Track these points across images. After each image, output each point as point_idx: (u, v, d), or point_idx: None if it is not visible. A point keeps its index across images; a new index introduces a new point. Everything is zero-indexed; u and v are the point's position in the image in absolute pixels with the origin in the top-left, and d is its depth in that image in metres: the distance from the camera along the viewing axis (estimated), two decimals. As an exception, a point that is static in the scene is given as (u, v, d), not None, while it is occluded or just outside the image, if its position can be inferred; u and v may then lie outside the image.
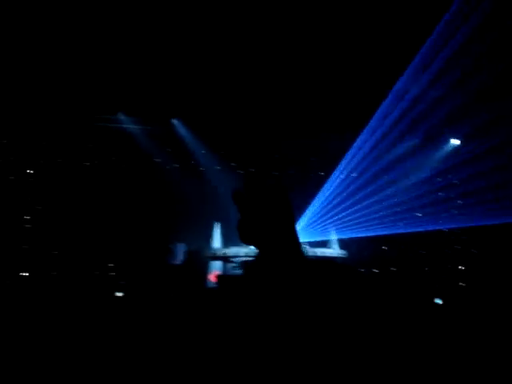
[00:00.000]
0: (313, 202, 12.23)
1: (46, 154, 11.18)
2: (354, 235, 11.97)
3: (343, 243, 12.14)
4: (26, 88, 10.11)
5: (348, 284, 1.25)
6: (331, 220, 12.19)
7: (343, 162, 11.81)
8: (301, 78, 10.54)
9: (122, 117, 10.55)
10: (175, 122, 10.90)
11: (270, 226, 1.19)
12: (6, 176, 11.02)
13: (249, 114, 10.77)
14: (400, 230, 11.73)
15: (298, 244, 1.23)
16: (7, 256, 10.29)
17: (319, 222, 12.31)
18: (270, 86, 10.57)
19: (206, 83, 10.14)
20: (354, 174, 12.12)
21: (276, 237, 1.19)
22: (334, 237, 11.94)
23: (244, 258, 10.74)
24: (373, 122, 11.03)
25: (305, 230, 11.88)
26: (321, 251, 11.34)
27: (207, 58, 9.92)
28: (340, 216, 12.21)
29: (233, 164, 11.74)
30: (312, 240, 11.82)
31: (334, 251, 11.72)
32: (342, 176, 12.14)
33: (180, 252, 10.06)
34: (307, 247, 11.47)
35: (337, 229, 12.10)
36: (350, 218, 12.21)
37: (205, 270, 10.85)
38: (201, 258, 10.55)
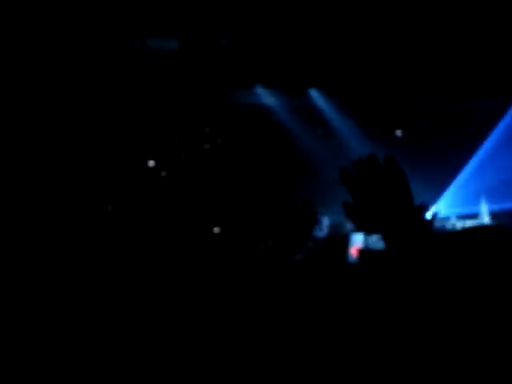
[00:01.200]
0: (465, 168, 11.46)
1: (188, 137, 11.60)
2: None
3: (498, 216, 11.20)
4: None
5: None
6: (485, 187, 11.24)
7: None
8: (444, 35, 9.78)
9: (259, 90, 10.59)
10: (313, 92, 10.70)
11: (388, 209, 1.09)
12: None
13: (388, 79, 10.25)
14: None
15: (423, 223, 1.12)
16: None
17: (470, 190, 11.44)
18: (412, 45, 9.94)
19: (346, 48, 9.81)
20: None
21: (396, 220, 1.09)
22: (484, 208, 10.99)
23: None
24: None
25: (453, 200, 11.17)
26: (469, 223, 10.54)
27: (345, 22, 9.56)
28: (495, 182, 11.23)
29: (373, 133, 11.32)
30: (461, 212, 11.06)
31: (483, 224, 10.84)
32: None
33: (324, 225, 9.98)
34: (454, 220, 10.74)
35: (490, 198, 11.10)
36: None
37: (346, 244, 10.70)
38: (343, 231, 10.35)
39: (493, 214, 10.98)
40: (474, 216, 11.00)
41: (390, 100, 10.71)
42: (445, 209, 11.41)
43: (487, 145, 11.57)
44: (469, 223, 10.37)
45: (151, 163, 11.64)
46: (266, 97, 10.66)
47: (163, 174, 11.58)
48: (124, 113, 11.07)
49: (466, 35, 9.68)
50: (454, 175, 11.73)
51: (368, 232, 1.19)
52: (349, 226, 10.23)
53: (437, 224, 10.46)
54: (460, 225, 10.32)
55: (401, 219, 1.10)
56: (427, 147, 11.71)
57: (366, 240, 10.33)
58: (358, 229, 1.19)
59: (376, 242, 10.35)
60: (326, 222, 9.81)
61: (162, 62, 10.63)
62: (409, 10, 9.18)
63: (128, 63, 10.54)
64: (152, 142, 11.62)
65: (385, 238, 1.12)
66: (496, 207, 10.94)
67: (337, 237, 10.43)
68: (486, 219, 10.88)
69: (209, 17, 10.10)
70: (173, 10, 9.97)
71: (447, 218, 10.85)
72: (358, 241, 10.34)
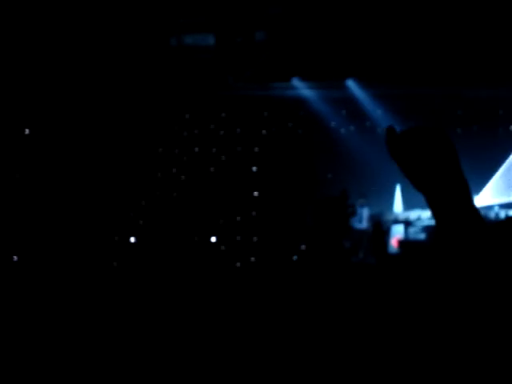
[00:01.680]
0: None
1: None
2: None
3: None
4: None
5: None
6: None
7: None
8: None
9: (296, 83, 10.56)
10: (350, 83, 10.61)
11: (434, 170, 1.02)
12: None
13: (426, 68, 10.07)
14: None
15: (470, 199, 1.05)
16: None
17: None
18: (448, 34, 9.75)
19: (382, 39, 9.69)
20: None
21: (442, 182, 1.03)
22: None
23: (427, 222, 10.20)
24: None
25: (497, 189, 10.91)
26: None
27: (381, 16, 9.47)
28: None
29: (411, 122, 11.12)
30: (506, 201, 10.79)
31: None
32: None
33: (364, 216, 9.94)
34: (497, 209, 10.50)
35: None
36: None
37: (387, 235, 10.61)
38: (383, 222, 10.29)
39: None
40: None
41: (428, 89, 10.52)
42: (488, 198, 11.17)
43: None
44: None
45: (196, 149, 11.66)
46: (302, 89, 10.63)
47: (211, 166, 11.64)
48: (165, 108, 11.25)
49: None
50: (498, 165, 11.44)
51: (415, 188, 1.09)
52: (389, 217, 10.17)
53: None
54: (503, 214, 10.10)
55: (450, 191, 1.05)
56: (469, 137, 11.49)
57: (406, 231, 10.25)
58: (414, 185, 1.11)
59: (416, 232, 10.28)
60: (365, 213, 9.73)
61: (199, 58, 10.74)
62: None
63: (166, 60, 10.69)
64: (195, 135, 11.70)
65: (430, 205, 1.05)
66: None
67: (377, 228, 10.35)
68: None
69: (245, 11, 10.16)
70: (209, 6, 10.07)
71: (490, 207, 10.63)
72: (398, 232, 10.27)
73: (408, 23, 9.73)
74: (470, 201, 1.05)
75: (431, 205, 1.04)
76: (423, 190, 1.06)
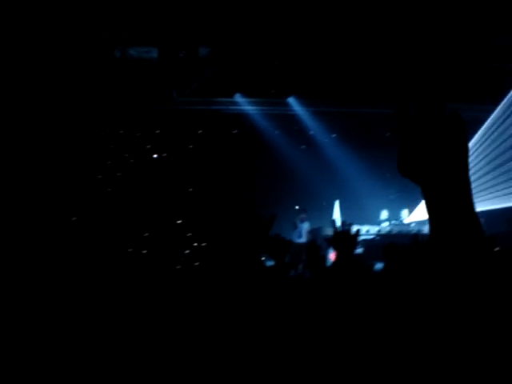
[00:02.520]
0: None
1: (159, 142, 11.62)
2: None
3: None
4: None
5: None
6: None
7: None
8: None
9: (239, 98, 10.68)
10: (292, 100, 10.83)
11: (439, 160, 0.96)
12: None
13: (367, 86, 10.42)
14: None
15: (471, 199, 0.96)
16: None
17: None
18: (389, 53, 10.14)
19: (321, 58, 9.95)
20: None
21: (443, 176, 0.96)
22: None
23: (364, 237, 10.49)
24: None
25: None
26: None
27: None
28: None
29: (352, 140, 11.49)
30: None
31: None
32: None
33: (304, 230, 10.10)
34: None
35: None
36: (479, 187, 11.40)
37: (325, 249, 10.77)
38: (322, 236, 10.47)
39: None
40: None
41: (369, 108, 10.88)
42: (423, 214, 11.62)
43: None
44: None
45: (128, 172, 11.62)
46: (245, 105, 10.76)
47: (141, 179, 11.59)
48: (104, 119, 11.09)
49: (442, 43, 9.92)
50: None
51: (405, 176, 1.02)
52: (328, 231, 10.36)
53: (413, 228, 10.71)
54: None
55: (446, 176, 0.97)
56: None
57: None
58: (399, 170, 1.02)
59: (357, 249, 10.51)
60: (305, 228, 9.90)
61: (142, 70, 10.69)
62: (389, 20, 9.36)
63: (108, 71, 10.57)
64: (131, 149, 11.62)
65: (425, 196, 0.98)
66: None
67: (313, 243, 10.42)
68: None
69: (190, 26, 10.18)
70: (154, 19, 10.04)
71: (424, 222, 11.07)
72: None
73: (350, 43, 10.03)
74: (472, 206, 0.97)
75: (430, 202, 0.96)
76: (427, 184, 0.97)
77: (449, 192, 0.95)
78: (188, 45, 10.42)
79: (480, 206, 11.37)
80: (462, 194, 0.96)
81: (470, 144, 11.48)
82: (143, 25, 10.25)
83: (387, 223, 10.86)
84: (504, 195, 11.23)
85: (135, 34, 10.54)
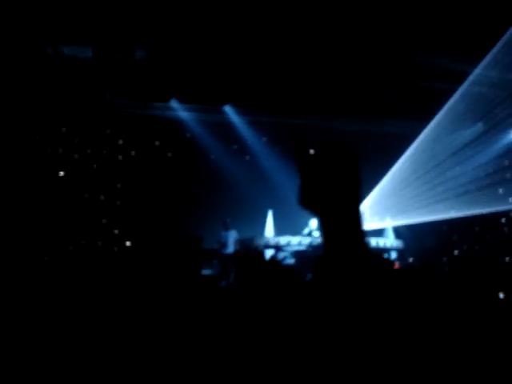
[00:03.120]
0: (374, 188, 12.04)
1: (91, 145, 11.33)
2: (412, 220, 11.58)
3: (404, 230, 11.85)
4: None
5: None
6: (390, 204, 11.85)
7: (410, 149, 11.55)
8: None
9: (174, 104, 10.52)
10: (228, 108, 10.79)
11: (335, 192, 1.04)
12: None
13: (301, 97, 10.55)
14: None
15: (361, 228, 1.06)
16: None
17: (378, 207, 12.01)
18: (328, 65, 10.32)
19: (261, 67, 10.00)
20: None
21: (339, 206, 1.04)
22: (388, 224, 11.55)
23: (296, 248, 10.55)
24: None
25: (367, 216, 11.65)
26: (375, 241, 11.00)
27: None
28: (399, 200, 11.85)
29: (286, 150, 11.56)
30: (368, 228, 11.54)
31: (389, 242, 11.34)
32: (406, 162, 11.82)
33: (231, 240, 10.01)
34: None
35: (393, 214, 11.70)
36: (409, 201, 11.81)
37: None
38: (253, 246, 10.43)
39: (395, 229, 11.63)
40: (380, 231, 11.59)
41: (302, 117, 11.01)
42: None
43: (395, 168, 12.16)
44: (373, 240, 10.87)
45: (61, 173, 11.27)
46: (180, 111, 10.61)
47: (73, 184, 11.23)
48: (32, 120, 10.64)
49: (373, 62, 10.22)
50: (367, 195, 12.25)
51: (305, 209, 1.09)
52: (260, 241, 10.36)
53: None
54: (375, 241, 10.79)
55: (341, 207, 1.05)
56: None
57: (277, 255, 10.50)
58: (298, 203, 1.09)
59: (286, 257, 10.57)
60: (232, 238, 9.80)
61: (75, 70, 10.34)
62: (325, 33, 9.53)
63: (40, 70, 10.16)
64: (63, 152, 11.26)
65: (323, 226, 1.06)
66: (398, 223, 11.64)
67: (246, 252, 10.45)
68: (390, 233, 11.46)
69: (126, 27, 9.96)
70: (89, 18, 9.75)
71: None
72: (269, 256, 10.49)
73: (288, 54, 10.14)
74: (360, 232, 1.05)
75: (323, 226, 1.04)
76: (319, 209, 1.05)
77: (341, 223, 1.03)
78: (124, 47, 10.18)
79: (410, 219, 11.80)
80: (353, 224, 1.04)
81: (402, 159, 11.88)
82: (77, 23, 9.93)
83: (317, 233, 10.99)
84: (433, 209, 11.69)
85: (69, 32, 10.20)
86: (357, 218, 1.07)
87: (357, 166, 1.07)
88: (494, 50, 9.69)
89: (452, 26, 8.88)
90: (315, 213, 1.06)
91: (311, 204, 1.07)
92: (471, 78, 10.49)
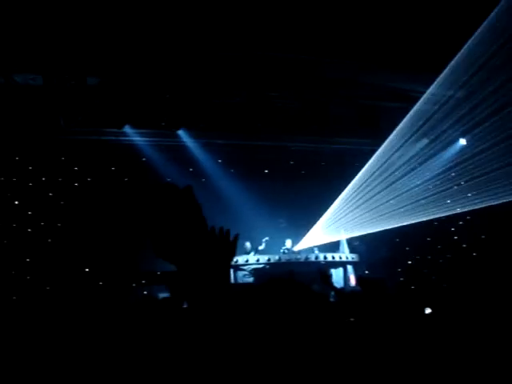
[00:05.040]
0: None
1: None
2: (364, 231, 11.94)
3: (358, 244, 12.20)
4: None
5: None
6: (344, 218, 12.20)
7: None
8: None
9: (128, 129, 10.59)
10: (181, 132, 10.92)
11: (182, 239, 1.06)
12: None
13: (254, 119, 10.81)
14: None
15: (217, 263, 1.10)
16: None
17: (333, 222, 12.34)
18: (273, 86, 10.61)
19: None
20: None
21: (190, 253, 1.06)
22: (343, 237, 11.87)
23: (255, 266, 10.75)
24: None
25: (321, 231, 11.96)
26: (331, 256, 11.30)
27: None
28: (352, 213, 12.21)
29: (239, 172, 11.80)
30: (323, 243, 11.86)
31: (344, 255, 11.64)
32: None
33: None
34: (317, 252, 11.45)
35: (347, 228, 12.05)
36: (361, 213, 12.18)
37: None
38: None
39: (350, 243, 11.97)
40: (336, 244, 11.92)
41: (255, 138, 11.26)
42: (310, 241, 12.17)
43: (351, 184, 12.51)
44: (329, 255, 11.17)
45: (16, 202, 11.16)
46: (135, 136, 10.69)
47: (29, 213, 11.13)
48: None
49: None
50: (320, 212, 12.56)
51: (165, 259, 1.08)
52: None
53: (301, 255, 11.15)
54: (321, 255, 11.07)
55: (193, 253, 1.05)
56: (295, 185, 12.50)
57: (235, 275, 10.67)
58: (156, 255, 1.08)
59: (244, 276, 10.75)
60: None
61: (28, 98, 10.30)
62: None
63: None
64: (17, 180, 11.15)
65: (180, 273, 1.06)
66: (352, 235, 12.01)
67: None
68: (345, 247, 11.79)
69: (78, 55, 10.02)
70: (40, 46, 9.77)
71: (311, 250, 11.60)
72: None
73: (236, 77, 10.39)
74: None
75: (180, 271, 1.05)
76: (171, 258, 1.06)
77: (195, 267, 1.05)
78: (75, 73, 10.23)
79: (364, 231, 12.17)
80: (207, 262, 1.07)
81: (358, 174, 12.27)
82: (27, 51, 9.93)
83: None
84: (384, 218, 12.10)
85: (19, 60, 10.18)
86: (209, 253, 1.09)
87: (195, 203, 1.09)
88: (444, 69, 10.13)
89: (397, 47, 9.31)
90: (170, 262, 1.08)
91: (163, 254, 1.08)
92: (417, 95, 10.99)
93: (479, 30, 8.93)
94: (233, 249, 1.14)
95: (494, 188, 11.04)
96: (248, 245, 11.28)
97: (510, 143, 10.28)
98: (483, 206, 11.30)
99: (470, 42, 9.25)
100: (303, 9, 8.52)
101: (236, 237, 1.17)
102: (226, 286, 1.09)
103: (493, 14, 8.63)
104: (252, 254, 11.11)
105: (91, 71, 10.30)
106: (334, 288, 4.79)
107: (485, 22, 8.78)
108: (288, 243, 11.69)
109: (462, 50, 9.49)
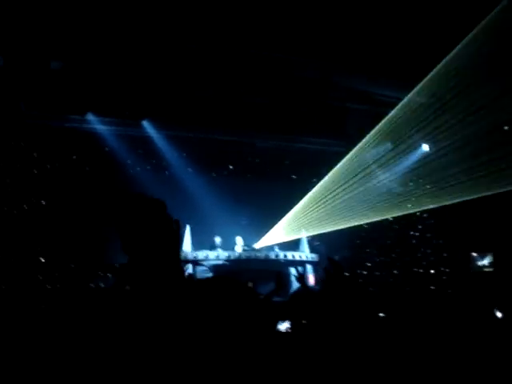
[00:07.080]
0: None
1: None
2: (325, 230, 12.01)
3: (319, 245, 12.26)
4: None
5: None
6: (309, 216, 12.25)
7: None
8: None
9: (91, 117, 10.34)
10: (146, 123, 10.74)
11: (150, 242, 1.16)
12: None
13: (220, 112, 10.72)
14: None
15: (179, 263, 1.22)
16: None
17: (295, 221, 12.37)
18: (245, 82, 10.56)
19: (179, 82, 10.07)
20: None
21: (156, 255, 1.16)
22: (303, 236, 11.90)
23: (214, 262, 10.66)
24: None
25: (283, 230, 11.98)
26: (291, 255, 11.28)
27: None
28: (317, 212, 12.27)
29: (204, 166, 11.70)
30: (284, 241, 11.88)
31: (304, 254, 11.65)
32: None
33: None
34: (277, 250, 11.43)
35: (308, 227, 12.09)
36: (323, 213, 12.24)
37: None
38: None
39: (310, 243, 12.04)
40: (296, 242, 11.96)
41: (222, 133, 11.18)
42: (271, 239, 12.17)
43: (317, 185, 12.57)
44: (289, 253, 11.18)
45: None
46: (97, 124, 10.45)
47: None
48: None
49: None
50: (282, 211, 12.58)
51: (129, 255, 1.17)
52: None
53: (262, 253, 11.12)
54: (281, 253, 11.06)
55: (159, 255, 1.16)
56: (258, 182, 12.47)
57: (194, 270, 10.56)
58: (124, 251, 1.19)
59: (203, 271, 10.65)
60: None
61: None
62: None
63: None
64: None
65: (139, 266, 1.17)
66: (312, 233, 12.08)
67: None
68: (305, 246, 11.82)
69: (42, 36, 9.71)
70: (1, 25, 9.42)
71: (271, 248, 11.59)
72: (186, 270, 10.52)
73: (205, 70, 10.27)
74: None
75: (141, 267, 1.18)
76: (136, 255, 1.18)
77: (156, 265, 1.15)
78: (38, 56, 9.91)
79: (324, 229, 12.25)
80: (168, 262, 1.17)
81: (325, 175, 12.33)
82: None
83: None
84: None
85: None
86: (171, 254, 1.21)
87: (164, 214, 1.24)
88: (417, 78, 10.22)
89: (369, 51, 9.37)
90: (135, 258, 1.18)
91: (130, 252, 1.18)
92: (386, 100, 11.11)
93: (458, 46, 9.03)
94: (176, 236, 1.20)
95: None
96: (217, 240, 11.14)
97: (467, 149, 10.48)
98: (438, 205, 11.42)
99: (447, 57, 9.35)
100: (278, 6, 8.47)
101: (177, 223, 1.25)
102: (173, 271, 1.17)
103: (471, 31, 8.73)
104: (220, 250, 10.96)
105: (55, 55, 10.00)
106: (307, 287, 4.97)
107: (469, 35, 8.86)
108: (239, 240, 11.57)
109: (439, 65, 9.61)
